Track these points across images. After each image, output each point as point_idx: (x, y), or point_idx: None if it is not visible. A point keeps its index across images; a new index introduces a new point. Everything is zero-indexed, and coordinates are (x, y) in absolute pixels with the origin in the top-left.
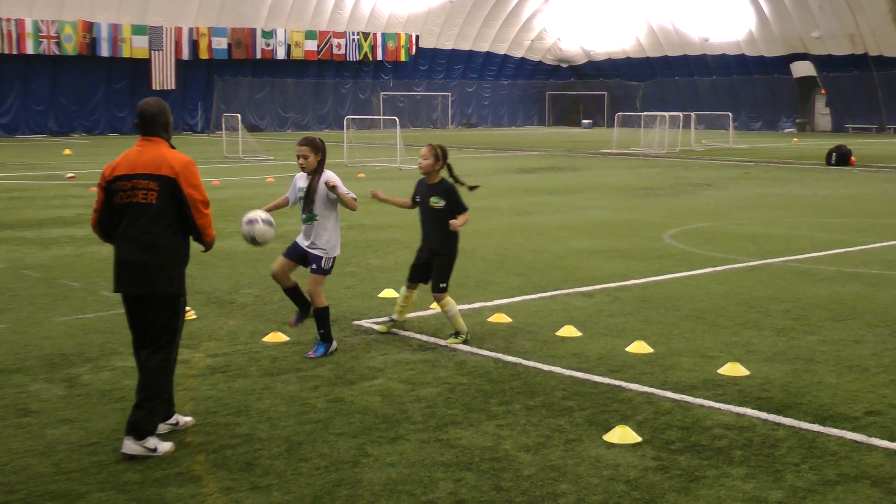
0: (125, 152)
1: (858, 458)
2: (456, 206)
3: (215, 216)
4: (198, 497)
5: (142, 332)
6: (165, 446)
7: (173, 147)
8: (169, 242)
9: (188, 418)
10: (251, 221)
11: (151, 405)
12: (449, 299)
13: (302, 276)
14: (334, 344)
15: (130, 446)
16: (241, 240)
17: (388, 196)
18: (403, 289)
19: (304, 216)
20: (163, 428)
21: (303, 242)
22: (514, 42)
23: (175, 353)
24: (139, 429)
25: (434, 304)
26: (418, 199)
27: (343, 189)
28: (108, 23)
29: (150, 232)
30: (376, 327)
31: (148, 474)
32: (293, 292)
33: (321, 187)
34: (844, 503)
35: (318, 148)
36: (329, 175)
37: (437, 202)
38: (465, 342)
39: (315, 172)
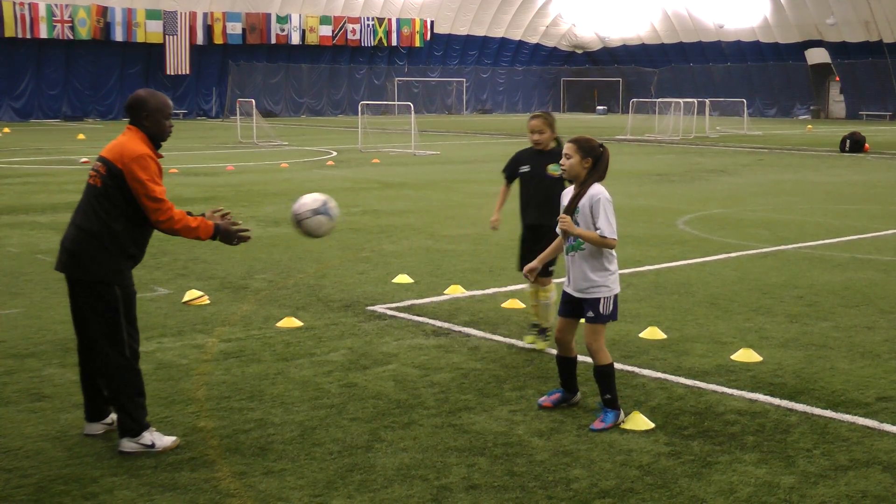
0: None
1: (870, 444)
2: None
3: (230, 201)
4: (211, 482)
5: (80, 321)
6: (165, 441)
7: (153, 139)
8: (105, 227)
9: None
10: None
11: (128, 407)
12: (552, 286)
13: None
14: (622, 414)
15: (126, 444)
16: (254, 225)
17: (497, 213)
18: (525, 285)
19: (565, 245)
20: (98, 428)
21: (569, 286)
22: (529, 28)
23: (127, 349)
24: (129, 429)
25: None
26: (524, 171)
27: (580, 229)
28: (122, 7)
29: (88, 214)
30: (523, 344)
31: (161, 458)
32: (566, 366)
33: (583, 206)
34: (856, 488)
35: (585, 148)
36: (597, 192)
37: (555, 170)
38: (545, 338)
39: (583, 183)
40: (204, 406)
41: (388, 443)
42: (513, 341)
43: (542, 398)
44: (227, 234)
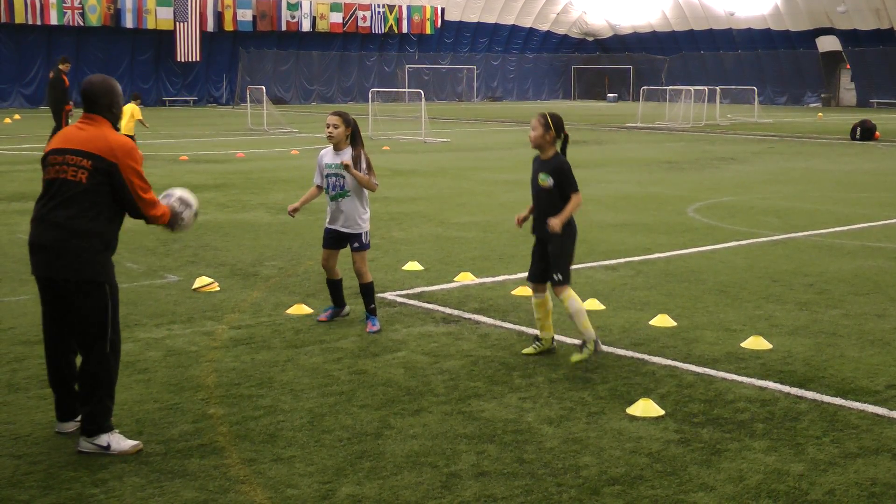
0: (65, 128)
1: (879, 431)
2: (565, 186)
3: (240, 188)
4: (220, 468)
5: (62, 322)
6: (123, 445)
7: (118, 130)
8: (89, 226)
9: None
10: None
11: (93, 405)
12: (570, 293)
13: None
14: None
15: (83, 443)
16: (264, 212)
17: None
18: (532, 297)
19: (332, 193)
20: (70, 426)
21: (333, 224)
22: (540, 15)
23: (111, 347)
24: (86, 428)
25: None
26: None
27: (360, 173)
28: None
29: (70, 212)
30: (526, 350)
31: (171, 445)
32: (336, 287)
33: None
34: (865, 476)
35: (346, 121)
36: (359, 153)
37: (544, 180)
38: (594, 352)
39: (353, 146)
40: (213, 393)
41: (397, 430)
42: (522, 328)
43: (320, 315)
44: (174, 218)
